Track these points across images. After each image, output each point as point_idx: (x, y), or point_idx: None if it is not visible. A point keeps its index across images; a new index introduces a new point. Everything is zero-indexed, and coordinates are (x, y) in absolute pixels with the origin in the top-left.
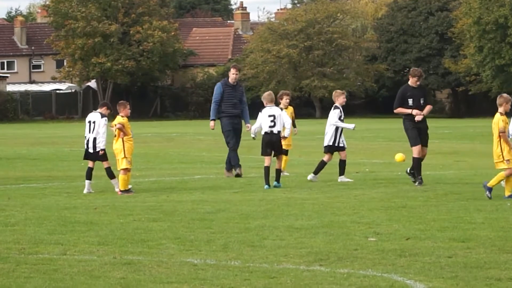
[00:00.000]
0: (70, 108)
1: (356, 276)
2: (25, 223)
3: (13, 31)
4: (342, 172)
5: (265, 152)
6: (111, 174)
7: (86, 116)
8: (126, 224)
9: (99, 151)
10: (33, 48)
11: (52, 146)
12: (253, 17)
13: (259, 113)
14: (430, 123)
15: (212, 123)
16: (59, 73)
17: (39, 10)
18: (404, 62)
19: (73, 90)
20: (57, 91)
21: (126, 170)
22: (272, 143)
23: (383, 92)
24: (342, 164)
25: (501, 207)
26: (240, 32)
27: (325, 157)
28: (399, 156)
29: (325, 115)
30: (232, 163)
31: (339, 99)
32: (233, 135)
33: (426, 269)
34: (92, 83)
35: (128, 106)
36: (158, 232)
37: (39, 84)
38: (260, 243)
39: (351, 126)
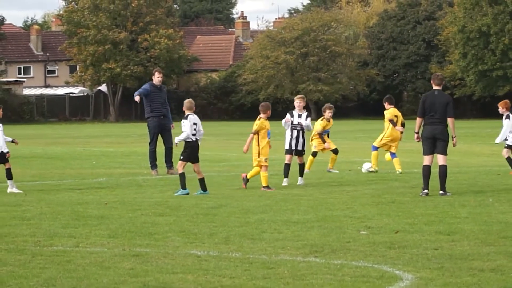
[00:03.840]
0: (83, 110)
1: (349, 267)
2: (41, 218)
3: (29, 38)
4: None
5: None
6: (9, 175)
7: (97, 117)
8: (134, 218)
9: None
10: (48, 54)
11: (65, 146)
12: (253, 26)
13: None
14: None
15: (137, 97)
16: (72, 77)
17: (54, 19)
18: (394, 67)
19: (85, 94)
20: (70, 95)
21: (265, 167)
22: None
23: (374, 96)
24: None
25: (484, 203)
26: (241, 40)
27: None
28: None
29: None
30: (150, 163)
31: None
32: (157, 138)
33: (414, 260)
34: (103, 87)
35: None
36: (164, 226)
37: (54, 88)
38: (259, 236)
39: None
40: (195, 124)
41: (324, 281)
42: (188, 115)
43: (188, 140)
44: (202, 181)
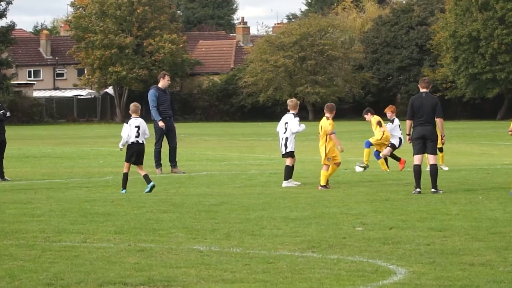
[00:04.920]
0: (90, 111)
1: (345, 261)
2: (50, 214)
3: (39, 43)
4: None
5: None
6: None
7: (104, 118)
8: (139, 215)
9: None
10: (56, 58)
11: (73, 146)
12: (253, 31)
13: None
14: None
15: (161, 122)
16: (80, 80)
17: (62, 25)
18: (388, 71)
19: (92, 96)
20: (78, 97)
21: (325, 166)
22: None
23: (369, 98)
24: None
25: (474, 200)
26: (241, 44)
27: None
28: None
29: (317, 118)
30: (156, 162)
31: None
32: (163, 138)
33: (407, 255)
34: (110, 90)
35: None
36: (168, 222)
37: (62, 90)
38: (259, 232)
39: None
40: (137, 127)
41: (321, 275)
42: (130, 118)
43: (129, 143)
44: (146, 176)
